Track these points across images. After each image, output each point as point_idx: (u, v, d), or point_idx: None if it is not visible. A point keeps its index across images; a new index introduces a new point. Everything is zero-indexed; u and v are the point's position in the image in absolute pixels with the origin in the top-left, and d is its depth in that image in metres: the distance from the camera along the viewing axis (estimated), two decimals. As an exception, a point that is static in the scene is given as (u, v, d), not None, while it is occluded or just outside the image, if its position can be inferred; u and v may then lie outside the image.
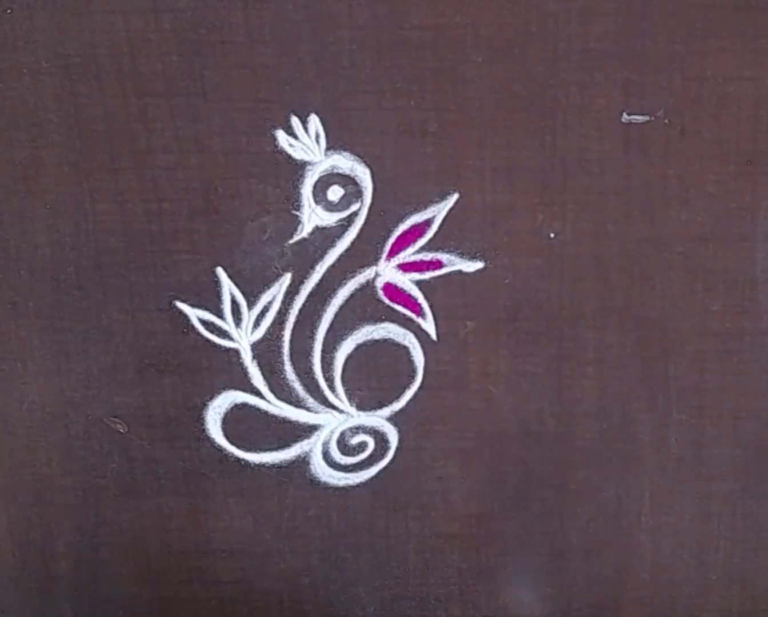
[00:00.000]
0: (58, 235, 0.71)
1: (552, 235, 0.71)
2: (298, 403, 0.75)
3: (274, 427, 0.75)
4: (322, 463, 0.76)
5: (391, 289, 0.72)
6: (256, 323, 0.73)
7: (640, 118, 0.68)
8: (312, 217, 0.71)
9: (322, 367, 0.74)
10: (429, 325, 0.73)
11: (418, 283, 0.72)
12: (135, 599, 0.79)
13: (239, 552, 0.78)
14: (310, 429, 0.75)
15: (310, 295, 0.72)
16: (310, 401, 0.75)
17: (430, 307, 0.73)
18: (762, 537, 0.78)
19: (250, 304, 0.72)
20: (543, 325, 0.73)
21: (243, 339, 0.73)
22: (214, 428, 0.75)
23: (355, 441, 0.76)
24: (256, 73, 0.68)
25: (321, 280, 0.72)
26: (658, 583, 0.79)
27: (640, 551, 0.78)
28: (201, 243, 0.71)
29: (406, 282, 0.72)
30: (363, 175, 0.70)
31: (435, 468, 0.76)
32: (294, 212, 0.71)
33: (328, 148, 0.69)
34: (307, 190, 0.70)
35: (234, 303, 0.72)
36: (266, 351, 0.73)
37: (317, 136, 0.69)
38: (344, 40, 0.67)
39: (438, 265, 0.72)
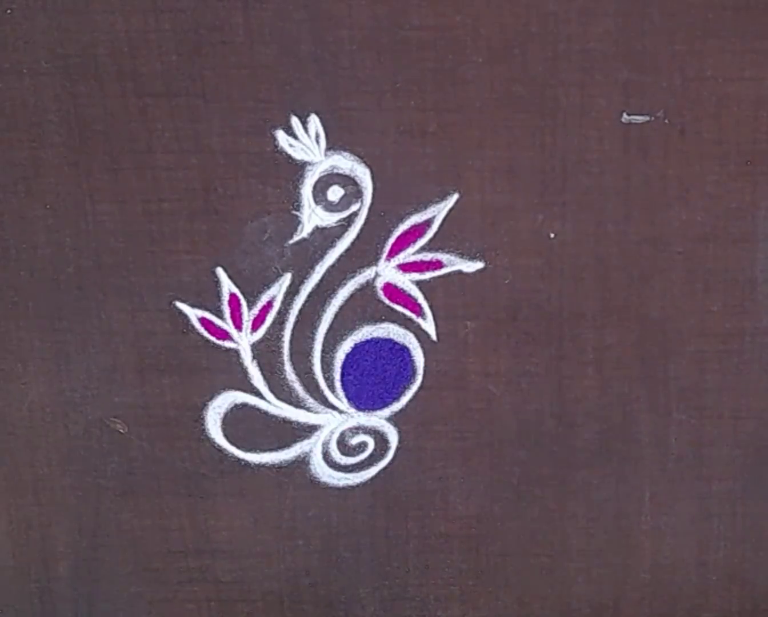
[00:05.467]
0: (58, 235, 0.71)
1: (552, 235, 0.71)
2: (298, 403, 0.75)
3: (274, 427, 0.75)
4: (322, 463, 0.76)
5: (391, 289, 0.72)
6: (256, 323, 0.73)
7: (640, 118, 0.68)
8: (312, 217, 0.71)
9: (322, 367, 0.74)
10: (429, 325, 0.73)
11: (418, 283, 0.72)
12: (135, 599, 0.79)
13: (239, 552, 0.78)
14: (310, 429, 0.75)
15: (310, 295, 0.72)
16: (310, 401, 0.75)
17: (430, 307, 0.73)
18: (762, 537, 0.77)
19: (250, 304, 0.72)
20: (543, 325, 0.73)
21: (243, 339, 0.73)
22: (214, 428, 0.75)
23: (355, 441, 0.76)
24: (256, 73, 0.68)
25: (321, 280, 0.72)
26: (658, 583, 0.79)
27: (640, 551, 0.78)
28: (201, 243, 0.71)
29: (406, 282, 0.72)
30: (363, 175, 0.70)
31: (435, 468, 0.76)
32: (294, 212, 0.71)
33: (328, 148, 0.69)
34: (307, 190, 0.70)
35: (234, 303, 0.72)
36: (266, 351, 0.73)
37: (317, 136, 0.69)
38: (344, 40, 0.67)
39: (438, 265, 0.72)
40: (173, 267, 0.72)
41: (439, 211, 0.71)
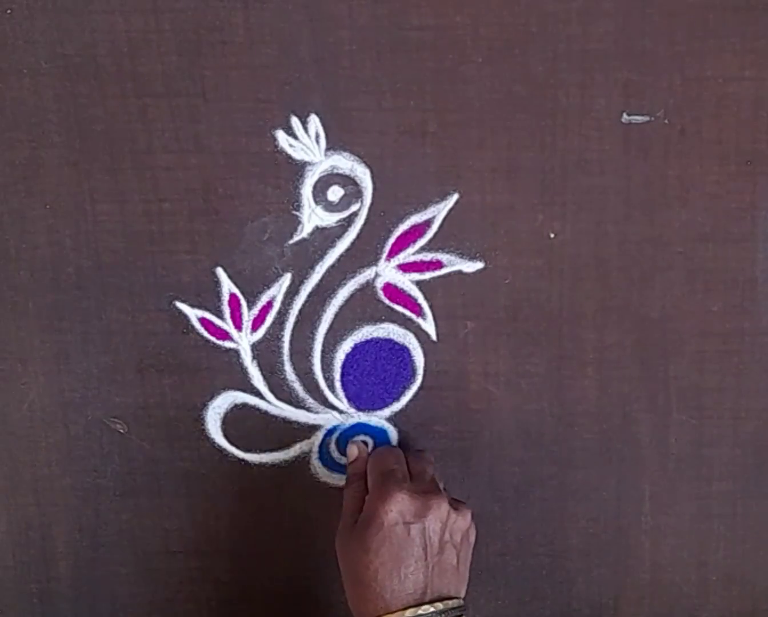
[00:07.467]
0: (58, 235, 0.71)
1: (552, 235, 0.71)
2: (298, 403, 0.75)
3: (274, 427, 0.75)
4: (322, 463, 0.76)
5: (391, 289, 0.72)
6: (256, 323, 0.73)
7: (640, 118, 0.68)
8: (312, 217, 0.71)
9: (322, 367, 0.74)
10: (429, 325, 0.73)
11: (418, 283, 0.72)
12: (135, 599, 0.79)
13: (239, 552, 0.78)
14: (310, 429, 0.75)
15: (310, 295, 0.72)
16: (310, 401, 0.75)
17: (430, 307, 0.73)
18: (762, 537, 0.78)
19: (250, 304, 0.72)
20: (543, 325, 0.73)
21: (243, 339, 0.73)
22: (214, 428, 0.75)
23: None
24: (256, 73, 0.68)
25: (321, 280, 0.72)
26: (658, 583, 0.79)
27: (640, 551, 0.78)
28: (201, 243, 0.72)
29: (406, 282, 0.72)
30: (363, 175, 0.70)
31: (435, 469, 0.76)
32: (294, 212, 0.71)
33: (328, 149, 0.69)
34: (307, 190, 0.70)
35: (234, 303, 0.72)
36: (266, 351, 0.73)
37: (317, 136, 0.69)
38: (344, 40, 0.67)
39: (438, 265, 0.72)
40: (173, 267, 0.72)
41: (439, 211, 0.71)
